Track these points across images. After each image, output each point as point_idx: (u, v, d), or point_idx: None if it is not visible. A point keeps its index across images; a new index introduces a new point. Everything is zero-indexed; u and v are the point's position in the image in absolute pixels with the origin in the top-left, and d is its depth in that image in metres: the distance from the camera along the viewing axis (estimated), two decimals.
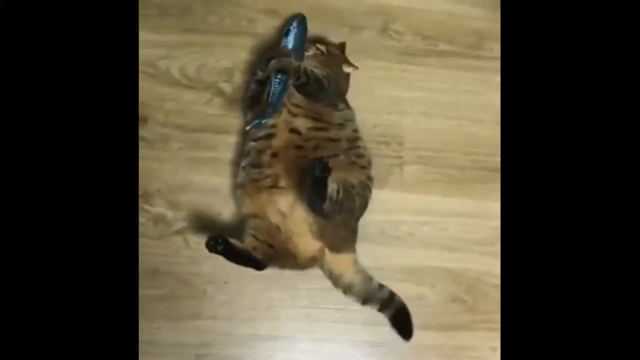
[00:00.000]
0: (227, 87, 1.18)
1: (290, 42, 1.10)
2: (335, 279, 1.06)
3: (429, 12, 1.28)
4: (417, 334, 1.12)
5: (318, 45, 1.13)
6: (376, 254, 1.15)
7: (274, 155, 1.02)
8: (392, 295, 1.08)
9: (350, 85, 1.16)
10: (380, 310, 1.07)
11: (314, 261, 1.04)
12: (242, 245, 1.00)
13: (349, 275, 1.06)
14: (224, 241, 0.95)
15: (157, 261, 1.08)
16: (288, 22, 1.12)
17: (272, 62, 1.04)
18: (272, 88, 1.04)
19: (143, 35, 1.16)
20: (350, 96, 1.18)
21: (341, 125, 1.07)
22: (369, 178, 1.06)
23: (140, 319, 1.05)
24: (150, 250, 1.08)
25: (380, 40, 1.25)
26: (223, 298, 1.08)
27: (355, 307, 1.11)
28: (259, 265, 1.01)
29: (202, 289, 1.08)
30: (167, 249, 1.09)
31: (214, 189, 1.12)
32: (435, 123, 1.23)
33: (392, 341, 1.11)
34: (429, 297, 1.15)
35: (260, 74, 1.07)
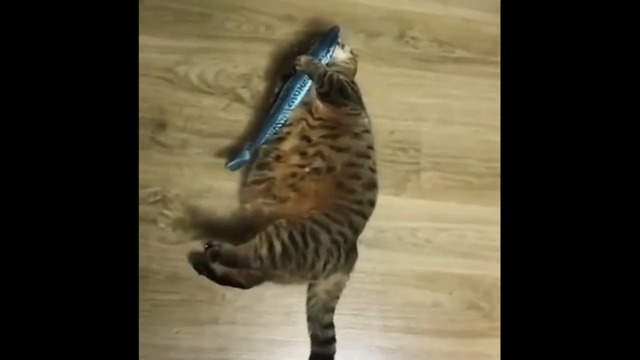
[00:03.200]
0: (245, 93, 1.18)
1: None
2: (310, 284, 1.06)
3: (445, 18, 1.28)
4: (433, 340, 1.13)
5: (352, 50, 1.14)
6: (393, 260, 1.15)
7: (278, 158, 1.03)
8: (331, 340, 1.04)
9: (366, 90, 1.17)
10: (311, 337, 1.05)
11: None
12: (224, 270, 1.00)
13: (319, 288, 1.05)
14: (207, 268, 1.01)
15: (176, 266, 1.09)
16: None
17: (302, 59, 1.05)
18: (278, 98, 1.06)
19: (161, 42, 1.18)
20: (367, 102, 1.17)
21: (357, 135, 1.05)
22: (360, 202, 1.01)
23: (159, 323, 1.07)
24: (170, 255, 1.09)
25: (396, 46, 1.26)
26: (241, 303, 1.08)
27: (371, 313, 1.11)
28: (243, 287, 1.02)
29: (221, 294, 1.08)
30: (186, 253, 1.09)
31: (232, 194, 1.12)
32: (451, 129, 1.23)
33: (409, 347, 1.12)
34: (445, 303, 1.15)
35: (276, 89, 1.09)
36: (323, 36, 1.11)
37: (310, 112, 1.06)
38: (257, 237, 0.95)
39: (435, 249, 1.17)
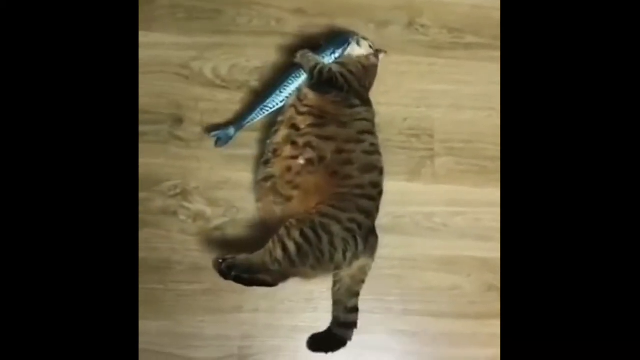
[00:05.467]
0: (258, 86, 1.20)
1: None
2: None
3: (454, 5, 1.29)
4: (453, 323, 1.14)
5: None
6: (410, 245, 1.16)
7: (275, 151, 1.06)
8: (351, 325, 1.05)
9: (378, 79, 1.19)
10: (333, 317, 1.06)
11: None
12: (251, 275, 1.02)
13: (344, 273, 1.06)
14: (236, 276, 0.99)
15: (197, 256, 1.11)
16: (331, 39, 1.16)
17: (299, 52, 1.11)
18: (279, 79, 1.11)
19: (176, 38, 1.20)
20: (380, 91, 1.20)
21: (344, 124, 1.06)
22: (360, 186, 1.03)
23: (184, 313, 1.09)
24: (191, 247, 1.11)
25: (406, 34, 1.27)
26: (263, 291, 1.09)
27: (392, 297, 1.13)
28: (271, 285, 1.02)
29: None
30: (206, 244, 1.12)
31: (250, 185, 1.14)
32: (464, 115, 1.24)
33: (429, 330, 1.13)
34: (464, 286, 1.16)
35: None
36: (334, 37, 1.16)
37: (299, 99, 1.09)
38: (270, 242, 0.97)
39: (452, 233, 1.18)
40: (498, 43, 1.27)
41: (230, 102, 1.19)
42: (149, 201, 1.12)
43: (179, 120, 1.17)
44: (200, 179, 1.15)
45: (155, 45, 1.19)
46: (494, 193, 1.20)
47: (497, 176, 1.21)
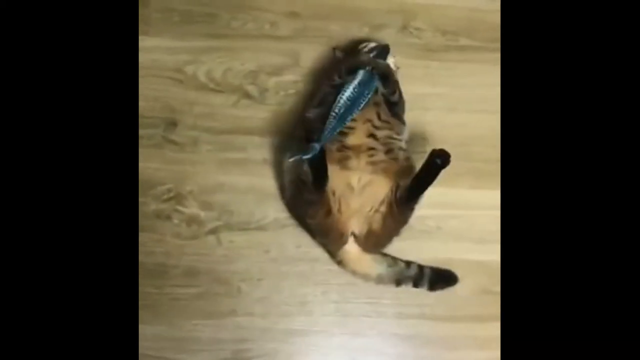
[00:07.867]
0: (253, 89, 1.20)
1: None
2: (364, 277, 1.09)
3: (449, 8, 1.29)
4: (448, 326, 1.14)
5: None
6: (404, 248, 1.15)
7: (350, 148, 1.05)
8: (420, 268, 1.10)
9: None
10: (415, 286, 1.10)
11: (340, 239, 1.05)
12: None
13: (375, 269, 1.08)
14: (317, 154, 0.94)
15: (192, 260, 1.11)
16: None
17: (382, 62, 1.08)
18: (345, 96, 1.01)
19: (170, 42, 1.20)
20: None
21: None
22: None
23: (180, 317, 1.10)
24: (186, 250, 1.12)
25: (400, 37, 1.27)
26: (258, 295, 1.10)
27: (386, 300, 1.13)
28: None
29: (237, 287, 1.11)
30: (201, 248, 1.12)
31: (244, 188, 1.14)
32: (459, 117, 1.24)
33: (424, 333, 1.13)
34: (459, 289, 1.16)
35: (337, 79, 1.06)
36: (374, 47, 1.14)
37: (378, 114, 1.07)
38: None
39: (446, 236, 1.18)
40: (493, 45, 1.27)
41: (225, 106, 1.19)
42: (143, 205, 1.12)
43: (173, 124, 1.17)
44: (194, 183, 1.15)
45: (150, 49, 1.19)
46: (489, 195, 1.20)
47: (492, 178, 1.21)
